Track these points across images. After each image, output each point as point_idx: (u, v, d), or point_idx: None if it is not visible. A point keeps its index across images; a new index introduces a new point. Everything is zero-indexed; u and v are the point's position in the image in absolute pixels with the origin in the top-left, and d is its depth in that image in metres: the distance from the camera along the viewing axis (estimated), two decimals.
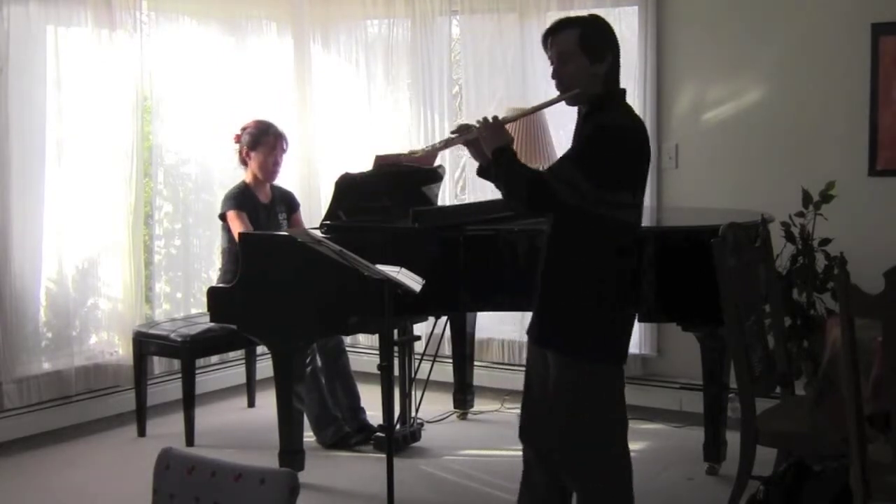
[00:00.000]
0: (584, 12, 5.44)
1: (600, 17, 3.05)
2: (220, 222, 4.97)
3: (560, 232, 2.96)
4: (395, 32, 6.11)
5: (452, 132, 3.20)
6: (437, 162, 5.06)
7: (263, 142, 4.90)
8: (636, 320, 3.18)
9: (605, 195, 2.84)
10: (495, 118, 3.05)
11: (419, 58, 5.99)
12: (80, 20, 5.15)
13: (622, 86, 3.03)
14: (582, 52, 2.89)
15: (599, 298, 2.91)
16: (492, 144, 2.98)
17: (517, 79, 5.71)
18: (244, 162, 4.95)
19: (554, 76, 2.96)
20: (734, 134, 5.08)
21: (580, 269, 2.92)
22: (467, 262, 4.12)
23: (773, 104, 5.00)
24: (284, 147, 5.00)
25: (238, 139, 4.96)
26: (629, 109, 3.00)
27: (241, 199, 4.87)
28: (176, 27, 5.71)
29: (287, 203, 5.11)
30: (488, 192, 5.80)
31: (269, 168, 4.93)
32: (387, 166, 4.69)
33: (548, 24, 5.66)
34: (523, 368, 5.64)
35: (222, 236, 4.97)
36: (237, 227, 4.74)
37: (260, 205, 4.94)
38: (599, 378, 2.97)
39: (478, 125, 3.03)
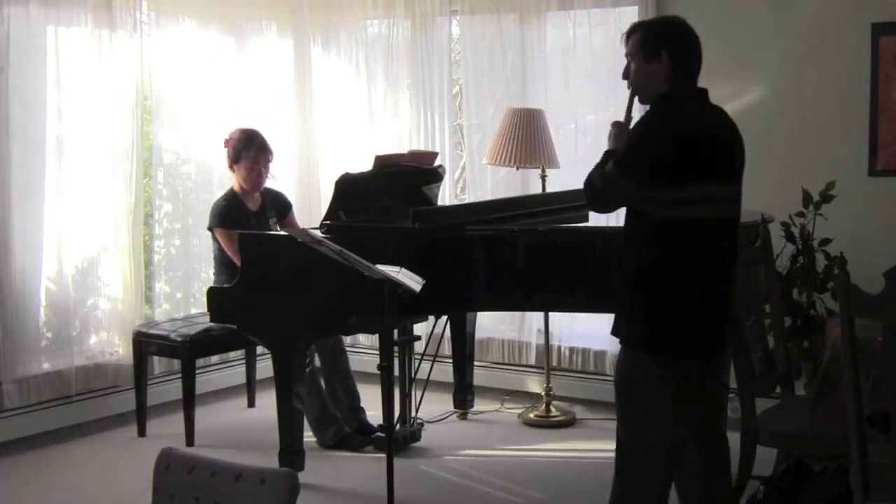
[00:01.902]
0: (583, 12, 5.52)
1: (668, 17, 3.14)
2: None
3: (625, 227, 3.05)
4: (395, 32, 6.11)
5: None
6: (437, 162, 5.06)
7: (244, 156, 4.91)
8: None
9: (648, 193, 2.86)
10: (617, 122, 3.14)
11: (419, 58, 5.99)
12: (80, 20, 5.15)
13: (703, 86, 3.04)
14: (640, 51, 2.99)
15: (645, 290, 2.94)
16: (610, 146, 3.11)
17: (517, 79, 5.72)
18: (229, 169, 4.98)
19: (624, 76, 3.08)
20: None
21: (632, 263, 2.97)
22: (467, 262, 4.11)
23: (773, 104, 5.00)
24: (269, 158, 4.99)
25: (226, 145, 4.98)
26: (684, 107, 2.97)
27: (229, 212, 4.88)
28: (176, 27, 5.70)
29: (277, 206, 5.11)
30: (488, 192, 5.83)
31: (253, 180, 4.94)
32: (387, 166, 4.70)
33: (548, 25, 5.75)
34: (523, 368, 5.72)
35: (212, 244, 4.99)
36: (227, 244, 4.79)
37: (249, 213, 4.95)
38: (638, 368, 2.98)
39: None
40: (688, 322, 2.95)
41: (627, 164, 2.91)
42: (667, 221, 2.88)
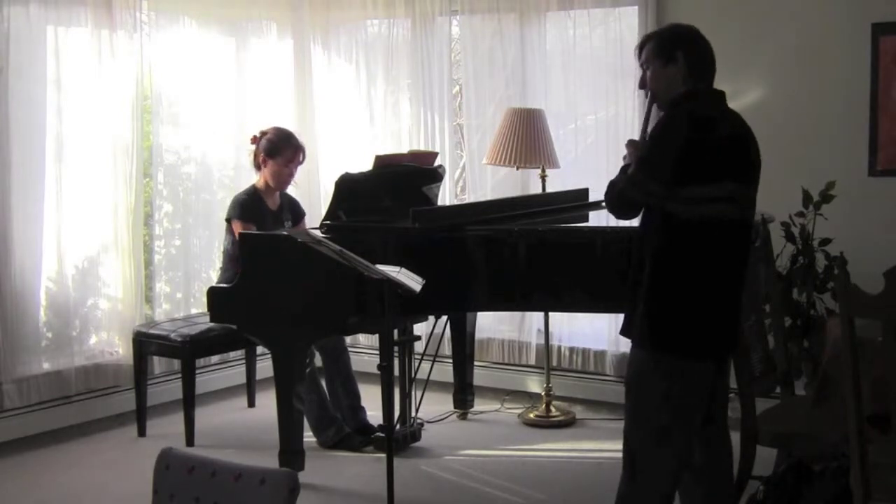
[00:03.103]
0: (583, 12, 5.53)
1: (679, 24, 3.20)
2: (222, 222, 4.97)
3: (642, 227, 3.05)
4: (395, 32, 6.11)
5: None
6: (437, 162, 5.06)
7: (282, 152, 4.84)
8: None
9: (670, 192, 2.88)
10: (632, 140, 3.18)
11: (419, 58, 5.99)
12: (80, 20, 5.15)
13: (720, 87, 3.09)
14: (656, 57, 3.04)
15: (662, 290, 2.95)
16: (627, 161, 3.14)
17: (517, 79, 5.72)
18: (258, 166, 4.92)
19: (640, 85, 3.13)
20: None
21: (649, 263, 2.97)
22: (467, 262, 4.11)
23: (772, 104, 4.99)
24: (301, 159, 4.95)
25: (255, 141, 4.92)
26: (707, 106, 3.00)
27: (250, 206, 4.83)
28: (176, 27, 5.70)
29: (294, 211, 5.08)
30: (488, 192, 5.83)
31: (283, 178, 4.90)
32: (387, 166, 4.70)
33: (548, 25, 5.76)
34: (523, 368, 5.72)
35: (225, 237, 4.97)
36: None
37: (268, 211, 4.91)
38: (651, 368, 2.98)
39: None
40: (704, 323, 2.97)
41: (651, 163, 2.92)
42: (688, 220, 2.89)
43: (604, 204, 3.19)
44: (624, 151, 3.16)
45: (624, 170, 3.10)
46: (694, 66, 3.01)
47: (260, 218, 4.84)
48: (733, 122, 3.04)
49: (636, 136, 3.26)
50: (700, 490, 3.13)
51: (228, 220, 4.89)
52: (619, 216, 3.14)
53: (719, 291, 2.98)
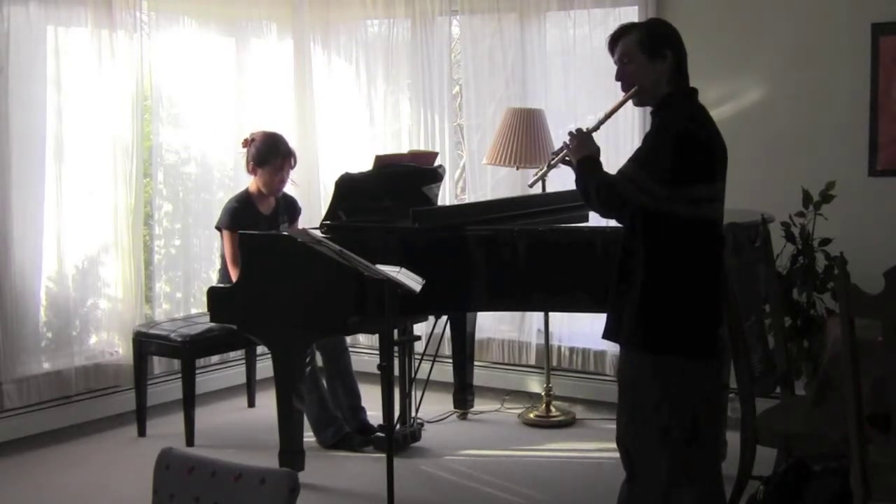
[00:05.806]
0: (583, 12, 5.52)
1: (660, 19, 3.27)
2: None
3: (631, 230, 3.04)
4: (395, 32, 6.11)
5: (553, 153, 3.24)
6: (437, 162, 5.06)
7: (271, 162, 4.80)
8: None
9: (672, 192, 2.88)
10: (579, 130, 3.15)
11: (419, 58, 5.99)
12: (80, 20, 5.15)
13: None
14: (641, 51, 3.01)
15: (655, 291, 2.95)
16: (577, 155, 3.11)
17: (517, 79, 5.71)
18: (250, 172, 4.90)
19: (618, 77, 3.08)
20: (734, 134, 5.01)
21: (640, 265, 2.97)
22: (467, 262, 4.11)
23: (773, 104, 5.00)
24: (292, 165, 4.91)
25: (247, 145, 4.90)
26: (694, 107, 3.04)
27: (240, 214, 4.80)
28: (176, 28, 5.70)
29: (290, 211, 5.07)
30: (488, 192, 5.83)
31: (275, 186, 4.87)
32: (387, 166, 4.70)
33: (548, 25, 5.74)
34: (523, 368, 5.73)
35: (221, 243, 4.96)
36: (228, 248, 4.74)
37: (261, 217, 4.88)
38: (647, 370, 2.98)
39: (567, 141, 3.15)
40: (702, 322, 2.98)
41: (652, 164, 2.91)
42: (684, 221, 2.91)
43: (582, 197, 3.13)
44: (623, 151, 3.16)
45: (588, 164, 3.05)
46: (679, 64, 3.03)
47: (253, 225, 4.78)
48: (712, 121, 3.07)
49: (636, 138, 3.28)
50: (693, 492, 3.13)
51: (219, 229, 4.88)
52: (607, 215, 3.13)
53: (712, 290, 3.00)
